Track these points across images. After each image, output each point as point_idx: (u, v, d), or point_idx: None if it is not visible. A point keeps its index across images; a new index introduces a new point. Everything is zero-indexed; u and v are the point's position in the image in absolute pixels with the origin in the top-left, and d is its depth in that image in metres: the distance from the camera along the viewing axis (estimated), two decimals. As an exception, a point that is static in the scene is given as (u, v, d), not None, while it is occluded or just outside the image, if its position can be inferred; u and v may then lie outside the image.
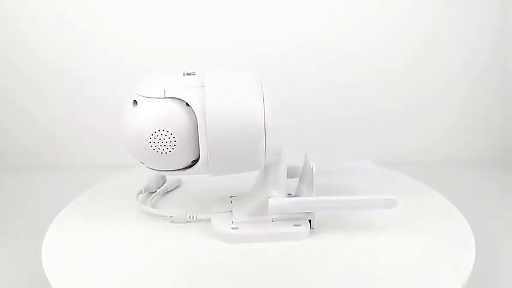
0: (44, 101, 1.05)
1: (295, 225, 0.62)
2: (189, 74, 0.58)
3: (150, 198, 0.73)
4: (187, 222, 0.65)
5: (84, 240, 0.61)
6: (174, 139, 0.56)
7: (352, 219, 0.65)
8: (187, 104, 0.56)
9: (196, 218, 0.65)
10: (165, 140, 0.56)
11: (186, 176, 0.67)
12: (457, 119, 1.07)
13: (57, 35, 1.00)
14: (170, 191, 0.77)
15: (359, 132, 1.05)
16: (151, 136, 0.55)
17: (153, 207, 0.70)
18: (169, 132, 0.55)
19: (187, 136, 0.56)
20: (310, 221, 0.63)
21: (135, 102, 0.57)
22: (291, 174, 0.64)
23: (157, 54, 1.01)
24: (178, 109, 0.56)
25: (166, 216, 0.66)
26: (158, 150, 0.56)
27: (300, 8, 0.99)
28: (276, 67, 0.99)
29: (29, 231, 0.74)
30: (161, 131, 0.55)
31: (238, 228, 0.61)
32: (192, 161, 0.59)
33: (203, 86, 0.56)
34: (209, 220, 0.64)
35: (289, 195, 0.65)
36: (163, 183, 0.76)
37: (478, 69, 1.04)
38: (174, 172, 0.59)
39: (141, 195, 0.72)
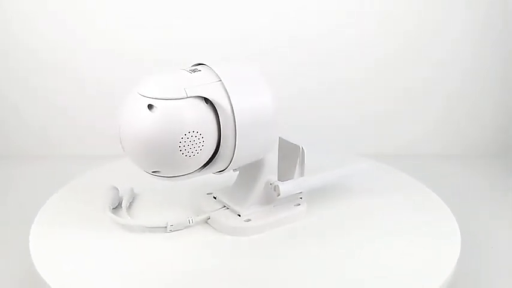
0: (29, 91, 1.04)
1: (295, 206, 0.65)
2: (194, 70, 0.55)
3: (120, 212, 0.65)
4: (185, 227, 0.62)
5: (72, 230, 0.60)
6: (203, 139, 0.53)
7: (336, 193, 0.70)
8: (206, 101, 0.53)
9: (193, 221, 0.62)
10: (195, 142, 0.52)
11: (139, 187, 0.69)
12: (445, 112, 1.07)
13: (42, 21, 1.00)
14: (131, 203, 0.70)
15: (347, 125, 1.06)
16: (181, 140, 0.51)
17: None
18: (199, 133, 0.52)
19: (212, 134, 0.54)
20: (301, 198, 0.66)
21: (150, 106, 0.51)
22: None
23: (144, 49, 1.01)
24: (200, 107, 0.53)
25: (163, 227, 0.61)
26: (188, 153, 0.52)
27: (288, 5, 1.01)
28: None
29: (16, 220, 0.73)
30: (191, 132, 0.52)
31: (250, 220, 0.61)
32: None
33: (220, 81, 0.54)
34: (205, 221, 0.62)
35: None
36: (121, 197, 0.69)
37: (468, 62, 1.04)
38: (188, 175, 0.56)
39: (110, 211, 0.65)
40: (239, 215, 0.62)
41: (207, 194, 0.67)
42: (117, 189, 0.68)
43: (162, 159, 0.53)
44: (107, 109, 1.03)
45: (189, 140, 0.52)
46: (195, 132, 0.52)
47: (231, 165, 0.57)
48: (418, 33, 1.01)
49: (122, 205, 0.66)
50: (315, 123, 1.04)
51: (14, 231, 0.68)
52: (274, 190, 0.61)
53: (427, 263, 0.54)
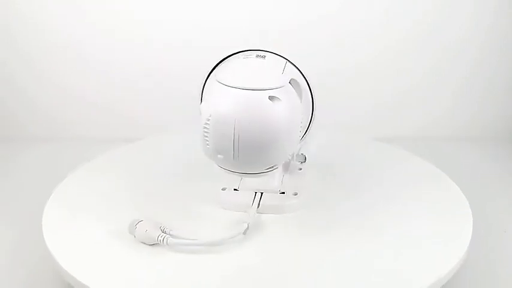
0: (36, 73, 1.03)
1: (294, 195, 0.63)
2: (261, 56, 0.55)
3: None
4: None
5: (85, 213, 0.59)
6: (302, 122, 0.53)
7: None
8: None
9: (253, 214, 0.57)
10: (302, 126, 0.53)
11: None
12: (458, 95, 1.05)
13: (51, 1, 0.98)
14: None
15: (361, 107, 1.03)
16: (300, 125, 0.52)
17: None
18: (301, 116, 0.53)
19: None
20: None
21: (271, 98, 0.49)
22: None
23: (154, 30, 1.00)
24: (292, 89, 0.53)
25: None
26: (300, 137, 0.53)
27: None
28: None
29: (29, 202, 0.71)
30: (302, 116, 0.52)
31: (297, 193, 0.61)
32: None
33: (286, 62, 0.56)
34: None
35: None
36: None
37: (482, 44, 1.02)
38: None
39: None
40: (283, 192, 0.61)
41: (234, 189, 0.62)
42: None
43: (286, 149, 0.51)
44: (118, 90, 1.02)
45: (301, 123, 0.52)
46: (301, 116, 0.53)
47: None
48: (432, 17, 1.00)
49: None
50: (330, 106, 1.03)
51: (27, 214, 0.68)
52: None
53: (438, 245, 0.53)
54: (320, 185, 0.66)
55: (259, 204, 0.58)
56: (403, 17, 1.00)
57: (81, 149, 0.92)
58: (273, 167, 0.52)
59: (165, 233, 0.52)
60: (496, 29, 1.01)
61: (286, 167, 0.63)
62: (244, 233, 0.53)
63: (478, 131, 1.04)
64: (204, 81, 0.57)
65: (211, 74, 0.56)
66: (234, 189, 0.61)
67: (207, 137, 0.48)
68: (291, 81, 0.52)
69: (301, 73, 0.55)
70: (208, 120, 0.47)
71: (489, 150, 0.98)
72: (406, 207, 0.61)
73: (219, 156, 0.49)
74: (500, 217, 0.72)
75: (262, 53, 0.55)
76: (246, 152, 0.48)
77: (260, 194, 0.60)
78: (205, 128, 0.48)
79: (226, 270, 0.49)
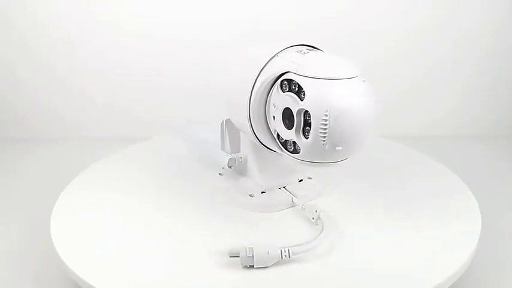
0: (44, 73, 1.04)
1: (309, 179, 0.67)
2: (311, 50, 0.55)
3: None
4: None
5: (93, 213, 0.59)
6: None
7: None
8: None
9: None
10: None
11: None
12: (465, 92, 1.06)
13: (62, 5, 0.99)
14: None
15: None
16: None
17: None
18: None
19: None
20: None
21: (364, 81, 0.50)
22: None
23: (165, 29, 1.01)
24: None
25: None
26: None
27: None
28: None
29: (38, 202, 0.72)
30: None
31: (311, 177, 0.65)
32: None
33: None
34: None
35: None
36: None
37: (487, 44, 1.02)
38: None
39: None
40: (301, 180, 0.64)
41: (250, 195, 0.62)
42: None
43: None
44: (127, 90, 1.03)
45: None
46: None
47: None
48: (436, 18, 1.01)
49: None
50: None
51: (35, 215, 0.69)
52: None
53: (447, 243, 0.53)
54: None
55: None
56: (409, 18, 1.01)
57: (89, 149, 0.93)
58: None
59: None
60: (502, 30, 1.02)
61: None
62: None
63: (484, 129, 1.05)
64: (268, 87, 0.54)
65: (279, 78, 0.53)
66: (262, 192, 0.61)
67: (325, 132, 0.47)
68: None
69: None
70: (326, 115, 0.47)
71: (496, 148, 0.99)
72: (414, 206, 0.61)
73: (337, 148, 0.49)
74: (508, 215, 0.72)
75: (308, 47, 0.55)
76: (361, 138, 0.50)
77: (283, 187, 0.62)
78: (322, 124, 0.47)
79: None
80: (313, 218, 0.56)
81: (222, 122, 0.63)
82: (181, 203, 0.61)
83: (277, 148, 0.55)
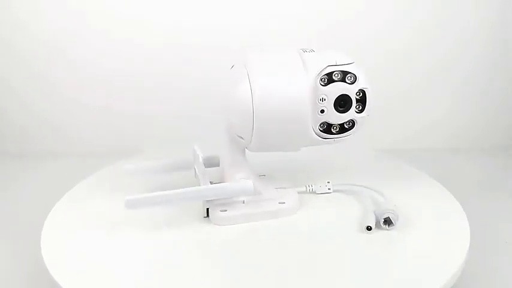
0: (42, 87, 1.04)
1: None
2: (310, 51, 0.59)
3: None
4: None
5: (85, 230, 0.59)
6: None
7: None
8: None
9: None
10: None
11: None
12: (452, 104, 1.06)
13: (56, 17, 1.00)
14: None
15: None
16: None
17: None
18: None
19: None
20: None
21: None
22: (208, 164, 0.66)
23: (166, 42, 1.02)
24: None
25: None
26: None
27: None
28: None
29: (28, 218, 0.70)
30: None
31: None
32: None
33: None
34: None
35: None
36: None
37: (476, 55, 1.03)
38: None
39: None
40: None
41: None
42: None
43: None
44: (127, 105, 1.03)
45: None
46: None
47: None
48: (425, 27, 1.02)
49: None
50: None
51: (25, 232, 0.68)
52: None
53: (436, 255, 0.53)
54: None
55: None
56: (399, 28, 1.02)
57: (82, 164, 0.91)
58: None
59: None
60: (491, 40, 1.04)
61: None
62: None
63: (470, 142, 1.06)
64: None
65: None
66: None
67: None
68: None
69: None
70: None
71: (484, 160, 1.00)
72: (401, 217, 0.59)
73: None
74: (497, 227, 0.72)
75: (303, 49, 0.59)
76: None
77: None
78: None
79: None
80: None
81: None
82: (177, 218, 0.60)
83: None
